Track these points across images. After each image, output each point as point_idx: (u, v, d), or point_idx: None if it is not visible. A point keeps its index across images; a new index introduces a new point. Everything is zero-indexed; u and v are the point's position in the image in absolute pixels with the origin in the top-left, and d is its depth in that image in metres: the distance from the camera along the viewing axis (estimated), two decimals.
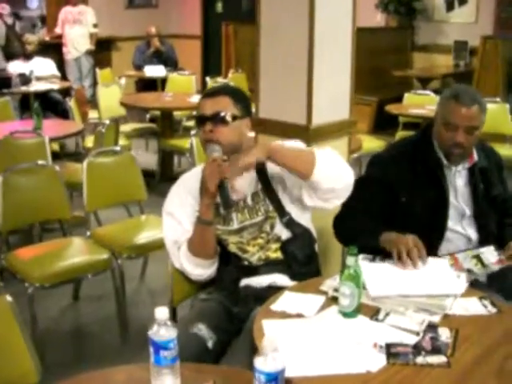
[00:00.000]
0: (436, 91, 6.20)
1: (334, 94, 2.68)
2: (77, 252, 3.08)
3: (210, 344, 1.90)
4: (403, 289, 1.83)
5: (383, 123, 6.52)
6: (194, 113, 2.10)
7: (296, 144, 2.10)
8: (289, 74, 2.63)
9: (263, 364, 1.24)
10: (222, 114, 2.02)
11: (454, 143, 2.14)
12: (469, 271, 2.03)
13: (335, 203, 2.04)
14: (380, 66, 7.51)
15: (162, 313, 1.34)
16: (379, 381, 1.45)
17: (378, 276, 1.90)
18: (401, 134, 5.67)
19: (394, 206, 2.22)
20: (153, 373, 1.36)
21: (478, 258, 2.08)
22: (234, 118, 2.04)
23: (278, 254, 2.09)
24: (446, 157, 2.22)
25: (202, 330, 1.91)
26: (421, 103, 5.62)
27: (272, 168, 2.08)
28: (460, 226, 2.27)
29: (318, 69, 2.56)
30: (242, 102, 2.10)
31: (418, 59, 8.09)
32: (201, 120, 2.05)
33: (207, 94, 2.12)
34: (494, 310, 1.79)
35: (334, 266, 2.65)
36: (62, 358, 2.91)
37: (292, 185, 2.08)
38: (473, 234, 2.27)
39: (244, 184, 2.10)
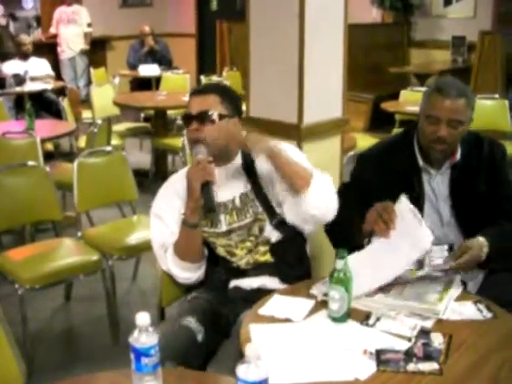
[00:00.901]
0: None
1: (325, 92, 2.64)
2: (67, 253, 3.03)
3: (199, 337, 1.86)
4: (379, 277, 1.78)
5: (380, 121, 6.47)
6: (184, 112, 2.03)
7: (298, 154, 2.05)
8: (279, 71, 2.58)
9: (245, 372, 1.19)
10: (209, 113, 1.97)
11: (436, 137, 2.01)
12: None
13: (311, 229, 2.03)
14: (376, 62, 7.45)
15: (142, 318, 1.30)
16: None
17: (357, 272, 1.75)
18: (397, 131, 5.62)
19: (366, 209, 1.99)
20: (134, 380, 1.33)
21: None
22: (221, 116, 1.99)
23: (267, 257, 2.04)
24: (428, 154, 2.08)
25: (191, 322, 1.88)
26: (418, 100, 5.53)
27: (261, 167, 2.03)
28: (440, 232, 2.12)
29: (308, 66, 2.51)
30: (231, 101, 2.05)
31: (414, 55, 8.03)
32: (187, 118, 2.01)
33: (194, 92, 2.08)
34: (489, 315, 1.74)
35: (326, 269, 2.60)
36: (53, 360, 2.89)
37: (278, 191, 2.02)
38: (456, 239, 2.10)
39: (232, 184, 2.06)
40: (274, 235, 2.04)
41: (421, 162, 2.13)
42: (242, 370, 1.19)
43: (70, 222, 3.53)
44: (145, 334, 1.29)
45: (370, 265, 1.83)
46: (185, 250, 2.00)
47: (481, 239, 1.98)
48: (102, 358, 2.87)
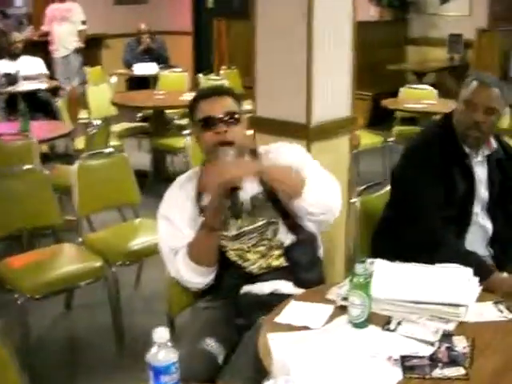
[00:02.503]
0: (432, 85, 6.11)
1: (334, 91, 2.59)
2: (68, 260, 2.96)
3: (220, 360, 1.82)
4: (410, 295, 1.72)
5: (379, 118, 6.43)
6: (201, 116, 1.96)
7: (297, 157, 2.01)
8: (287, 70, 2.53)
9: None
10: (236, 114, 1.96)
11: (472, 123, 2.15)
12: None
13: (323, 226, 2.02)
14: (374, 60, 7.39)
15: (161, 334, 1.23)
16: None
17: (388, 278, 1.79)
18: (398, 128, 5.58)
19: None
20: None
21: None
22: (242, 117, 2.00)
23: (281, 261, 1.99)
24: (463, 140, 2.20)
25: (210, 344, 1.83)
26: (417, 97, 5.53)
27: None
28: (481, 217, 2.25)
29: (317, 65, 2.47)
30: (239, 101, 2.05)
31: (412, 53, 7.99)
32: (210, 122, 1.95)
33: (211, 94, 2.03)
34: (510, 316, 1.70)
35: (337, 273, 2.56)
36: (55, 371, 2.80)
37: None
38: (489, 225, 2.27)
39: (243, 187, 1.99)
40: (288, 238, 1.98)
41: (466, 149, 2.23)
42: None
43: (69, 226, 3.44)
44: (164, 351, 1.22)
45: (401, 278, 1.81)
46: (202, 254, 1.94)
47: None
48: (107, 368, 2.80)
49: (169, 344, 1.23)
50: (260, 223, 1.98)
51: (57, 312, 3.32)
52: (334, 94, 2.59)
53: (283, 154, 2.02)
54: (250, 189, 1.96)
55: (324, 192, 1.91)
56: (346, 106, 2.66)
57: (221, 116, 1.94)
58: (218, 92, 2.03)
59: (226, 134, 1.93)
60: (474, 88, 2.18)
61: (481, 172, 2.26)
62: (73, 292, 3.26)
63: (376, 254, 2.20)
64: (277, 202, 1.97)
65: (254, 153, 2.06)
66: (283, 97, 2.57)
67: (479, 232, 2.26)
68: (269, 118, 2.60)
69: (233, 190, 1.84)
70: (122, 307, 3.11)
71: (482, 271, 2.01)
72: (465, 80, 2.28)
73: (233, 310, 1.96)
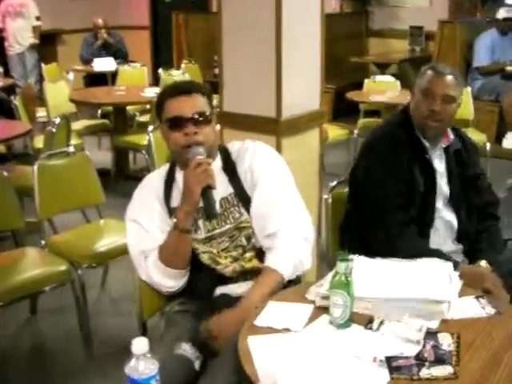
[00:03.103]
0: (395, 76, 6.13)
1: (304, 84, 2.54)
2: (32, 264, 2.83)
3: (196, 365, 1.74)
4: (391, 292, 1.67)
5: (343, 110, 6.43)
6: (169, 116, 1.87)
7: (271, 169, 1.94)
8: (255, 63, 2.47)
9: None
10: (207, 114, 1.87)
11: (430, 112, 2.13)
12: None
13: None
14: (335, 52, 7.38)
15: (139, 345, 1.15)
16: None
17: (367, 276, 1.74)
18: (363, 121, 5.58)
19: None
20: None
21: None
22: (211, 116, 1.90)
23: (254, 263, 1.92)
24: (423, 131, 2.19)
25: (186, 350, 1.75)
26: (381, 89, 5.54)
27: (244, 171, 1.92)
28: (444, 212, 2.23)
29: (286, 58, 2.42)
30: (210, 98, 1.95)
31: (373, 45, 8.02)
32: (179, 123, 1.85)
33: (179, 92, 1.90)
34: (492, 311, 1.68)
35: (310, 270, 2.50)
36: (22, 379, 2.69)
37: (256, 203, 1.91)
38: (454, 220, 2.25)
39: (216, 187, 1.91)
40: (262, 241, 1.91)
41: (426, 142, 2.20)
42: None
43: (30, 229, 3.31)
44: (143, 362, 1.15)
45: (382, 274, 1.76)
46: (173, 256, 1.86)
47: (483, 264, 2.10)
48: (76, 373, 2.71)
49: (148, 355, 1.16)
50: (228, 226, 1.91)
51: (21, 318, 3.19)
52: (304, 87, 2.55)
53: (259, 161, 1.93)
54: (220, 191, 1.90)
55: (293, 262, 1.86)
56: (316, 99, 2.62)
57: (190, 116, 1.84)
58: (188, 90, 1.91)
59: (196, 135, 1.84)
60: (429, 77, 2.17)
61: (440, 166, 2.24)
62: (37, 296, 3.13)
63: (343, 247, 2.21)
64: (247, 203, 1.90)
65: (224, 151, 1.98)
66: (251, 91, 2.51)
67: (444, 228, 2.24)
68: (236, 113, 2.53)
69: (204, 189, 1.78)
70: (89, 310, 3.02)
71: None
72: (419, 72, 2.26)
73: (207, 313, 1.88)
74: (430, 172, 2.19)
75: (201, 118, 1.85)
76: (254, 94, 2.49)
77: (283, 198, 1.91)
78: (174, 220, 1.84)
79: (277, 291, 1.81)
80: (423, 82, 2.18)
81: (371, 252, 1.89)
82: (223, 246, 1.91)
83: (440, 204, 2.22)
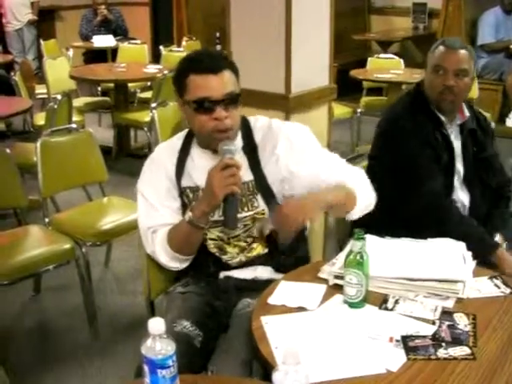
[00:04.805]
0: (396, 54, 6.06)
1: (313, 61, 2.50)
2: (37, 243, 2.80)
3: (196, 342, 1.69)
4: (406, 272, 1.65)
5: (345, 89, 6.33)
6: (195, 97, 1.67)
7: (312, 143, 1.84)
8: (264, 39, 2.43)
9: (283, 380, 1.05)
10: (238, 94, 1.69)
11: (444, 87, 2.12)
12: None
13: None
14: (337, 30, 7.27)
15: (156, 325, 1.12)
16: (403, 381, 1.29)
17: (381, 255, 1.72)
18: (366, 99, 5.53)
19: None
20: None
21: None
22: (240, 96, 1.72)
23: (259, 250, 1.85)
24: (439, 107, 2.17)
25: (187, 327, 1.70)
26: (385, 67, 5.47)
27: (266, 157, 1.79)
28: (459, 190, 2.21)
29: (295, 34, 2.38)
30: (238, 73, 1.75)
31: (375, 22, 7.92)
32: (207, 106, 1.65)
33: (207, 68, 1.67)
34: (507, 291, 1.66)
35: (317, 249, 2.48)
36: (27, 359, 2.67)
37: (293, 186, 1.77)
38: (466, 199, 2.23)
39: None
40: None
41: (442, 117, 2.18)
42: (278, 377, 1.05)
43: (32, 206, 3.28)
44: (159, 342, 1.11)
45: (395, 254, 1.74)
46: (183, 245, 1.80)
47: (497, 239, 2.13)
48: (81, 352, 2.70)
49: (165, 336, 1.13)
50: (244, 214, 1.80)
51: (26, 297, 3.17)
52: (313, 63, 2.51)
53: (292, 137, 1.80)
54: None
55: (367, 195, 1.78)
56: (325, 75, 2.58)
57: (220, 99, 1.65)
58: (218, 66, 1.67)
59: (226, 119, 1.66)
60: (441, 52, 2.15)
61: (456, 144, 2.22)
62: (41, 275, 3.11)
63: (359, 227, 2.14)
64: (267, 193, 1.79)
65: (245, 126, 1.83)
66: (260, 66, 2.46)
67: (457, 206, 2.22)
68: (245, 89, 2.47)
69: (228, 195, 1.63)
70: (94, 288, 3.01)
71: (486, 244, 2.01)
72: (431, 47, 2.23)
73: (211, 294, 1.85)
74: (449, 148, 2.18)
75: (232, 100, 1.67)
76: (262, 70, 2.45)
77: (332, 160, 1.82)
78: (190, 214, 1.72)
79: (343, 209, 1.73)
80: (435, 57, 2.16)
81: (395, 229, 1.87)
82: (235, 232, 1.82)
83: (456, 182, 2.21)
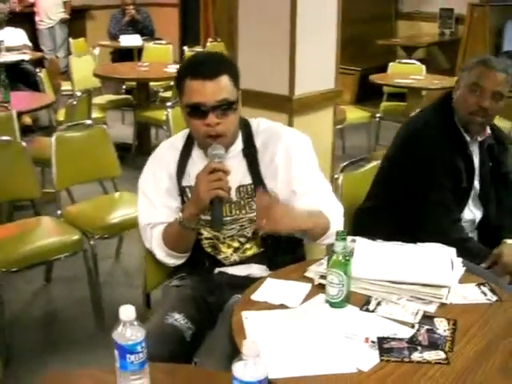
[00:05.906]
0: (421, 60, 6.03)
1: (318, 63, 2.52)
2: (46, 233, 2.89)
3: (187, 335, 1.73)
4: (391, 274, 1.66)
5: (367, 93, 6.34)
6: (189, 101, 1.69)
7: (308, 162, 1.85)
8: (269, 41, 2.45)
9: (242, 371, 1.08)
10: (233, 101, 1.68)
11: (478, 107, 2.06)
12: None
13: None
14: (363, 34, 7.30)
15: (127, 312, 1.17)
16: (372, 382, 1.31)
17: (369, 257, 1.73)
18: (385, 104, 5.51)
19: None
20: (119, 379, 1.20)
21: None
22: (238, 102, 1.72)
23: (255, 250, 1.89)
24: (466, 126, 2.12)
25: (178, 320, 1.74)
26: (406, 73, 5.45)
27: (266, 162, 1.81)
28: (471, 205, 2.19)
29: (301, 36, 2.40)
30: (237, 78, 1.74)
31: (402, 27, 7.89)
32: (200, 111, 1.67)
33: (202, 74, 1.66)
34: (494, 298, 1.65)
35: (318, 249, 2.50)
36: (33, 345, 2.76)
37: (279, 189, 1.79)
38: (478, 214, 2.21)
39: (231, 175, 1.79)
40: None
41: (467, 137, 2.14)
42: (238, 369, 1.08)
43: (49, 198, 3.37)
44: (129, 329, 1.17)
45: (384, 257, 1.74)
46: (176, 244, 1.86)
47: (509, 242, 2.05)
48: (86, 341, 2.76)
49: (135, 323, 1.18)
50: (241, 216, 1.83)
51: (35, 286, 3.27)
52: (318, 66, 2.53)
53: (292, 151, 1.81)
54: (238, 177, 1.80)
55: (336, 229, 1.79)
56: (331, 78, 2.59)
57: (213, 105, 1.66)
58: (215, 72, 1.66)
59: (218, 126, 1.68)
60: (480, 72, 2.08)
61: (475, 160, 2.19)
62: (52, 265, 3.21)
63: (357, 231, 2.15)
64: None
65: (246, 127, 1.84)
66: (265, 68, 2.50)
67: (467, 220, 2.20)
68: (250, 90, 2.52)
69: (214, 199, 1.66)
70: (102, 281, 3.08)
71: (482, 252, 2.03)
72: (468, 64, 2.17)
73: (205, 289, 1.89)
74: (470, 169, 2.14)
75: (225, 107, 1.67)
76: (267, 72, 2.48)
77: (321, 187, 1.86)
78: (180, 214, 1.77)
79: (315, 236, 1.78)
80: (472, 75, 2.09)
81: (393, 234, 1.87)
82: (231, 232, 1.86)
83: (471, 199, 2.19)
